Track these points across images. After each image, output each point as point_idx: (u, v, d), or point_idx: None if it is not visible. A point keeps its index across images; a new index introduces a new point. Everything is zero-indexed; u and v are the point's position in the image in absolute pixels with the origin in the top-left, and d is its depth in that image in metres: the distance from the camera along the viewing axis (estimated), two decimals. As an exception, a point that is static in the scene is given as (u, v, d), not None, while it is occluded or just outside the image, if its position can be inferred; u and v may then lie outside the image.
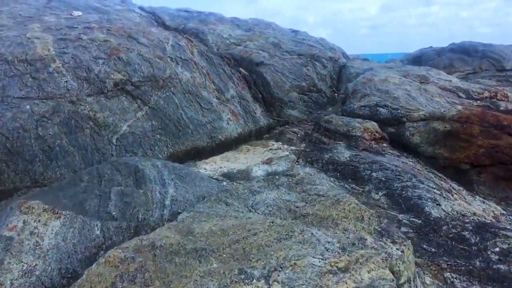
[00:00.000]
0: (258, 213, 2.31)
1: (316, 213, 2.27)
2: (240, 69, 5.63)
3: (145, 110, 3.53)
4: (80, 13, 6.09)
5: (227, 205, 2.43)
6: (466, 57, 15.80)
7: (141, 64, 3.84)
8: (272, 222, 2.12)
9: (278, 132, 4.63)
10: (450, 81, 6.61)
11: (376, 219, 2.22)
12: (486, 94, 6.17)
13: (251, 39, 7.08)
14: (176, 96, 3.87)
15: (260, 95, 5.28)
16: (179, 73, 4.13)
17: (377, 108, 4.83)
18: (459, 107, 4.40)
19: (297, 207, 2.36)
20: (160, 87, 3.79)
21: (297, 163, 3.68)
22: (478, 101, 6.00)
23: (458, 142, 4.08)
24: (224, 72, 5.00)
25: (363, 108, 4.96)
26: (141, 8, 7.78)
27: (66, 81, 3.45)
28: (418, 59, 17.74)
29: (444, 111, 4.40)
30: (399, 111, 4.68)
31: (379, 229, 2.13)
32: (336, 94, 6.06)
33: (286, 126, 4.86)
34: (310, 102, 5.46)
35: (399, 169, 3.56)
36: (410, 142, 4.35)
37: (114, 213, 2.38)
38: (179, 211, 2.46)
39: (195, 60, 4.56)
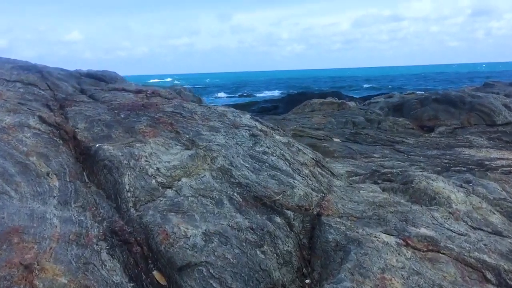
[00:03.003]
0: None
1: None
2: (154, 274, 3.41)
3: None
4: None
5: None
6: (452, 109, 13.89)
7: None
8: None
9: None
10: (467, 236, 4.52)
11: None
12: (525, 273, 4.09)
13: (189, 171, 4.87)
14: None
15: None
16: None
17: None
18: None
19: None
20: None
21: None
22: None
23: None
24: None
25: None
26: (42, 119, 5.47)
27: None
28: (399, 107, 15.78)
29: None
30: None
31: None
32: (306, 284, 3.89)
33: None
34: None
35: None
36: None
37: None
38: None
39: None
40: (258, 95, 66.06)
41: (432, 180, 6.08)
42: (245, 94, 66.99)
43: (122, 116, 6.08)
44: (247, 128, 6.36)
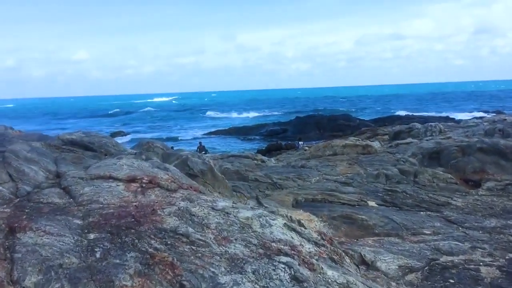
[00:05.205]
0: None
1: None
2: None
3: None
4: None
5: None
6: (502, 161, 11.51)
7: None
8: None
9: None
10: None
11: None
12: None
13: None
14: None
15: None
16: None
17: None
18: None
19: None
20: None
21: None
22: None
23: None
24: None
25: None
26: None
27: None
28: (435, 154, 13.46)
29: None
30: None
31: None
32: None
33: None
34: None
35: None
36: None
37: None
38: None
39: None
40: (266, 114, 64.35)
41: None
42: (252, 116, 65.04)
43: (98, 254, 3.85)
44: (284, 259, 4.13)
